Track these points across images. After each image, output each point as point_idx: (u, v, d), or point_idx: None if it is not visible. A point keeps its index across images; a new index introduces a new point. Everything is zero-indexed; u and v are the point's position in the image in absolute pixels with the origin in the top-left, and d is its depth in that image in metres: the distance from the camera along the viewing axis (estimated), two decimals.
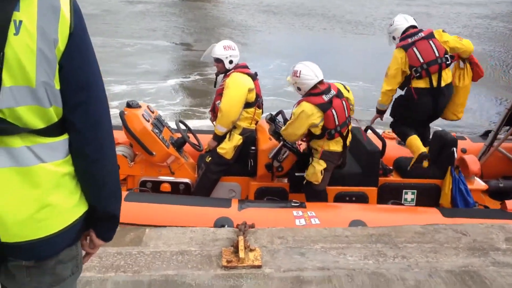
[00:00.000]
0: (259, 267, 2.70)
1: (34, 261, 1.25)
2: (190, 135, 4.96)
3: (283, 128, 4.23)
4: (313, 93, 4.04)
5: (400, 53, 4.46)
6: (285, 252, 2.89)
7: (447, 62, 4.46)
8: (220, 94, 4.57)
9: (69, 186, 1.28)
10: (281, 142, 4.41)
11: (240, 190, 4.68)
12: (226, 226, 3.65)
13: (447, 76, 4.51)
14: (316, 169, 4.13)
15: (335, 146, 4.17)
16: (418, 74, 4.43)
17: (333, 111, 4.02)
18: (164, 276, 2.63)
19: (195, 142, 4.91)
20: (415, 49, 4.40)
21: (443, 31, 4.65)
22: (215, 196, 4.52)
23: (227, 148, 4.51)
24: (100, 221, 1.38)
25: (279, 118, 5.02)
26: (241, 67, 4.60)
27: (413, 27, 4.62)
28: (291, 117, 4.22)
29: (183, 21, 21.51)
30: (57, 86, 1.20)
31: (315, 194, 4.25)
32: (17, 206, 1.17)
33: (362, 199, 4.38)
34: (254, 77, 4.62)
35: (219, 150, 4.52)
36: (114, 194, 1.39)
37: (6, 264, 1.25)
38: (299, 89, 4.17)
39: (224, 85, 4.53)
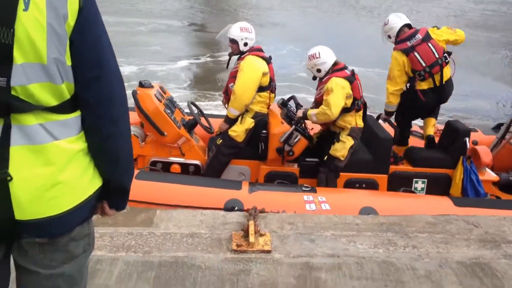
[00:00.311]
0: (268, 252, 2.70)
1: (47, 238, 1.26)
2: (201, 117, 4.94)
3: (326, 107, 4.17)
4: (336, 69, 4.27)
5: (402, 57, 4.62)
6: (295, 238, 2.88)
7: (446, 61, 4.66)
8: (233, 77, 4.54)
9: (83, 163, 1.28)
10: (293, 126, 4.39)
11: (249, 174, 4.67)
12: (236, 208, 3.66)
13: (446, 73, 4.69)
14: (346, 144, 4.29)
15: (359, 120, 4.37)
16: (422, 77, 4.63)
17: (358, 82, 4.29)
18: (174, 258, 2.64)
19: (206, 124, 4.89)
20: (416, 54, 4.58)
21: (437, 28, 4.78)
22: (224, 178, 4.51)
23: (238, 131, 4.49)
24: (113, 194, 1.40)
25: (291, 103, 4.99)
26: (256, 50, 4.55)
27: (408, 25, 4.74)
28: (325, 92, 4.23)
29: (198, 1, 21.30)
30: (69, 62, 1.20)
31: (336, 170, 4.32)
32: (31, 184, 1.18)
33: (372, 186, 4.36)
34: (268, 61, 4.58)
35: (230, 132, 4.50)
36: (128, 169, 1.42)
37: (20, 240, 1.26)
38: (318, 71, 4.33)
39: (238, 67, 4.49)
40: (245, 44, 4.48)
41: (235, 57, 4.69)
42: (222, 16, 18.09)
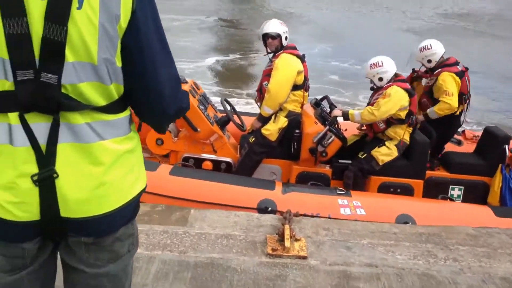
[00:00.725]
0: (304, 258, 2.66)
1: (93, 238, 1.25)
2: (234, 115, 4.91)
3: (374, 108, 4.18)
4: (398, 79, 4.29)
5: (456, 78, 4.66)
6: (331, 245, 2.83)
7: None
8: (267, 75, 4.49)
9: (128, 164, 1.27)
10: (327, 127, 4.33)
11: (281, 173, 4.63)
12: (269, 208, 3.63)
13: None
14: (392, 153, 4.28)
15: (408, 136, 4.34)
16: (465, 101, 4.79)
17: (416, 98, 4.32)
18: (209, 259, 2.63)
19: (239, 122, 4.86)
20: (466, 78, 4.72)
21: None
22: (255, 177, 4.48)
23: (271, 130, 4.45)
24: None
25: (324, 103, 4.92)
26: (290, 48, 4.49)
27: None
28: (381, 96, 4.21)
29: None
30: (119, 64, 1.18)
31: (368, 172, 4.29)
32: (77, 182, 1.17)
33: (407, 191, 4.26)
34: (302, 59, 4.52)
35: (263, 131, 4.46)
36: None
37: (67, 239, 1.26)
38: (380, 79, 4.33)
39: (272, 65, 4.44)
40: (286, 38, 4.44)
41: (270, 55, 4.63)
42: (254, 14, 18.00)
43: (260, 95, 4.64)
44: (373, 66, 4.32)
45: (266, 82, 4.49)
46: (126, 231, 1.32)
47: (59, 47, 1.09)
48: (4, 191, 1.13)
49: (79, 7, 1.09)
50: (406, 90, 4.21)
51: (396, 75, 4.31)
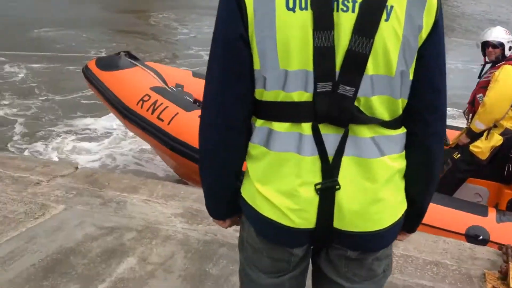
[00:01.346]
0: None
1: (358, 253, 1.23)
2: None
3: None
4: None
5: None
6: None
7: None
8: (483, 87, 4.09)
9: (397, 182, 1.22)
10: None
11: (487, 196, 4.21)
12: (480, 237, 3.31)
13: None
14: None
15: None
16: None
17: None
18: (420, 286, 2.50)
19: None
20: None
21: None
22: (457, 197, 4.13)
23: (482, 148, 4.04)
24: (412, 216, 1.30)
25: None
26: None
27: None
28: None
29: None
30: (411, 77, 1.14)
31: None
32: (354, 196, 1.15)
33: None
34: None
35: (472, 148, 4.08)
36: (433, 193, 1.32)
37: (328, 250, 1.26)
38: None
39: (491, 77, 4.02)
40: (510, 48, 3.99)
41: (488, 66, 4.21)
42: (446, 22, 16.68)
43: (472, 108, 4.25)
44: None
45: (481, 94, 4.09)
46: (385, 251, 1.28)
47: (362, 59, 1.07)
48: (286, 197, 1.15)
49: (387, 19, 1.07)
50: None
51: None
